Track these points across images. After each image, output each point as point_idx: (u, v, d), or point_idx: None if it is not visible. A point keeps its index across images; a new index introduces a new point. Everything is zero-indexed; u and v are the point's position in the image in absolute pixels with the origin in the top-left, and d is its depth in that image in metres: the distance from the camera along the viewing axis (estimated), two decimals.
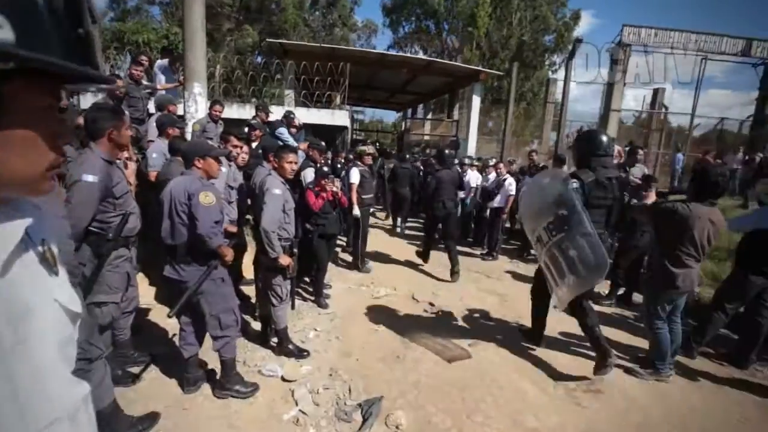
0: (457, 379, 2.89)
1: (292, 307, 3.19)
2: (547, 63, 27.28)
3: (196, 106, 5.42)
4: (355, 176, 5.18)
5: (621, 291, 4.78)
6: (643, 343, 3.73)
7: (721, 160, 11.44)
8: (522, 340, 3.56)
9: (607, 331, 3.90)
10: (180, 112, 5.45)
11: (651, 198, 3.77)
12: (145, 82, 5.34)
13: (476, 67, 13.39)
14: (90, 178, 2.09)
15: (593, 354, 3.31)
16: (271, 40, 12.10)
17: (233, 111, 10.91)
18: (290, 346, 3.12)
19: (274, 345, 3.20)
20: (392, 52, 20.15)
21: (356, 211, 5.17)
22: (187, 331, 2.45)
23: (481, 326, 3.89)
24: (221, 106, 4.99)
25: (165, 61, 5.56)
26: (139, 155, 4.17)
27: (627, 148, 6.64)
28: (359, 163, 5.39)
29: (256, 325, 3.53)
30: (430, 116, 21.71)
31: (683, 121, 18.84)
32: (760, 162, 10.60)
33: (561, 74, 23.32)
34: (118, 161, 2.37)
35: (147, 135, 4.18)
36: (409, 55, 18.95)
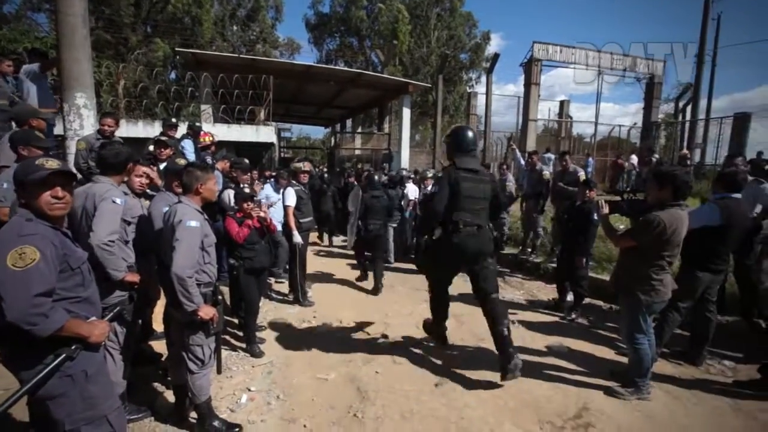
0: None
1: (219, 370, 2.47)
2: (465, 79, 28.96)
3: (80, 121, 4.40)
4: (291, 198, 4.53)
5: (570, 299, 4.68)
6: (605, 353, 3.60)
7: (628, 162, 12.67)
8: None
9: (571, 344, 3.74)
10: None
11: (602, 206, 3.63)
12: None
13: (405, 80, 13.44)
14: None
15: (570, 377, 3.10)
16: (181, 50, 10.94)
17: (139, 129, 9.67)
18: (215, 424, 2.38)
19: (194, 422, 2.45)
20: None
21: (297, 238, 4.52)
22: None
23: (444, 358, 3.45)
24: (113, 119, 4.05)
25: (35, 66, 4.41)
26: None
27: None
28: (294, 182, 4.76)
29: (169, 395, 2.73)
30: (359, 130, 21.54)
31: (580, 129, 21.16)
32: (656, 163, 11.88)
33: (479, 88, 24.84)
34: None
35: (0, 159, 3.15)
36: (336, 67, 18.60)
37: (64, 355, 1.47)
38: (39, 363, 1.44)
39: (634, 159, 12.57)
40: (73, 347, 1.49)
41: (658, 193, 2.65)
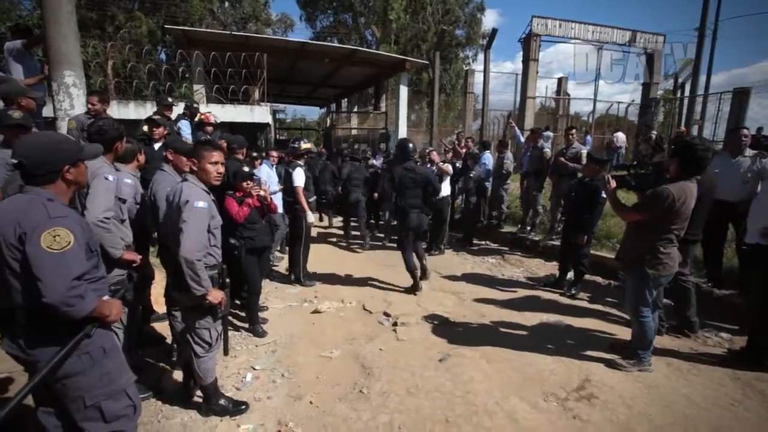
0: (437, 412, 2.42)
1: (225, 352, 2.46)
2: (462, 57, 28.32)
3: (70, 101, 4.27)
4: (300, 178, 4.50)
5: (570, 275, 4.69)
6: (605, 328, 3.64)
7: (615, 141, 12.63)
8: (496, 342, 3.23)
9: (572, 319, 3.77)
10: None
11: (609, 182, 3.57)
12: None
13: (401, 56, 13.13)
14: None
15: (572, 351, 3.11)
16: (170, 26, 10.59)
17: (130, 110, 9.44)
18: (222, 402, 2.40)
19: (200, 401, 2.46)
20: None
21: (311, 218, 4.56)
22: None
23: (447, 334, 3.48)
24: (98, 98, 3.88)
25: (18, 43, 4.21)
26: None
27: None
28: (301, 162, 4.72)
29: (173, 376, 2.74)
30: (355, 110, 21.19)
31: (577, 107, 20.94)
32: (655, 139, 11.83)
33: (476, 66, 24.40)
34: None
35: None
36: (331, 44, 18.11)
37: (82, 333, 1.46)
38: (56, 343, 1.43)
39: (621, 137, 12.48)
40: (89, 325, 1.48)
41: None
